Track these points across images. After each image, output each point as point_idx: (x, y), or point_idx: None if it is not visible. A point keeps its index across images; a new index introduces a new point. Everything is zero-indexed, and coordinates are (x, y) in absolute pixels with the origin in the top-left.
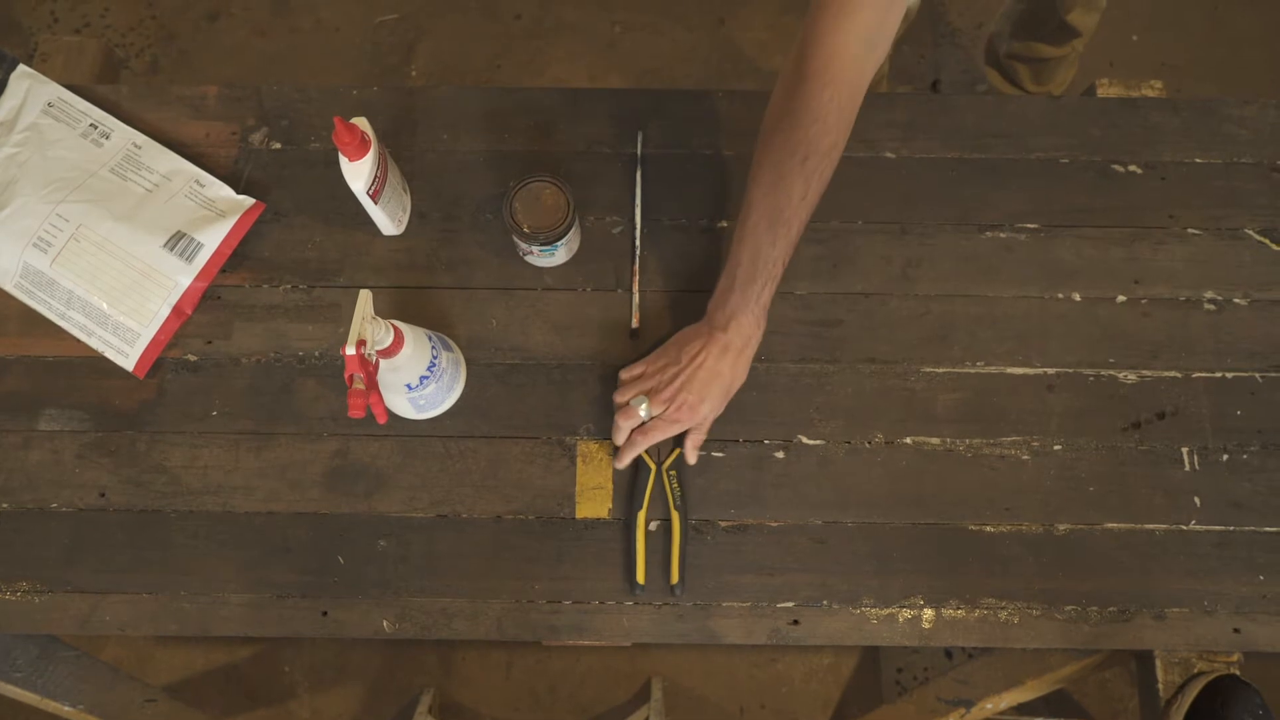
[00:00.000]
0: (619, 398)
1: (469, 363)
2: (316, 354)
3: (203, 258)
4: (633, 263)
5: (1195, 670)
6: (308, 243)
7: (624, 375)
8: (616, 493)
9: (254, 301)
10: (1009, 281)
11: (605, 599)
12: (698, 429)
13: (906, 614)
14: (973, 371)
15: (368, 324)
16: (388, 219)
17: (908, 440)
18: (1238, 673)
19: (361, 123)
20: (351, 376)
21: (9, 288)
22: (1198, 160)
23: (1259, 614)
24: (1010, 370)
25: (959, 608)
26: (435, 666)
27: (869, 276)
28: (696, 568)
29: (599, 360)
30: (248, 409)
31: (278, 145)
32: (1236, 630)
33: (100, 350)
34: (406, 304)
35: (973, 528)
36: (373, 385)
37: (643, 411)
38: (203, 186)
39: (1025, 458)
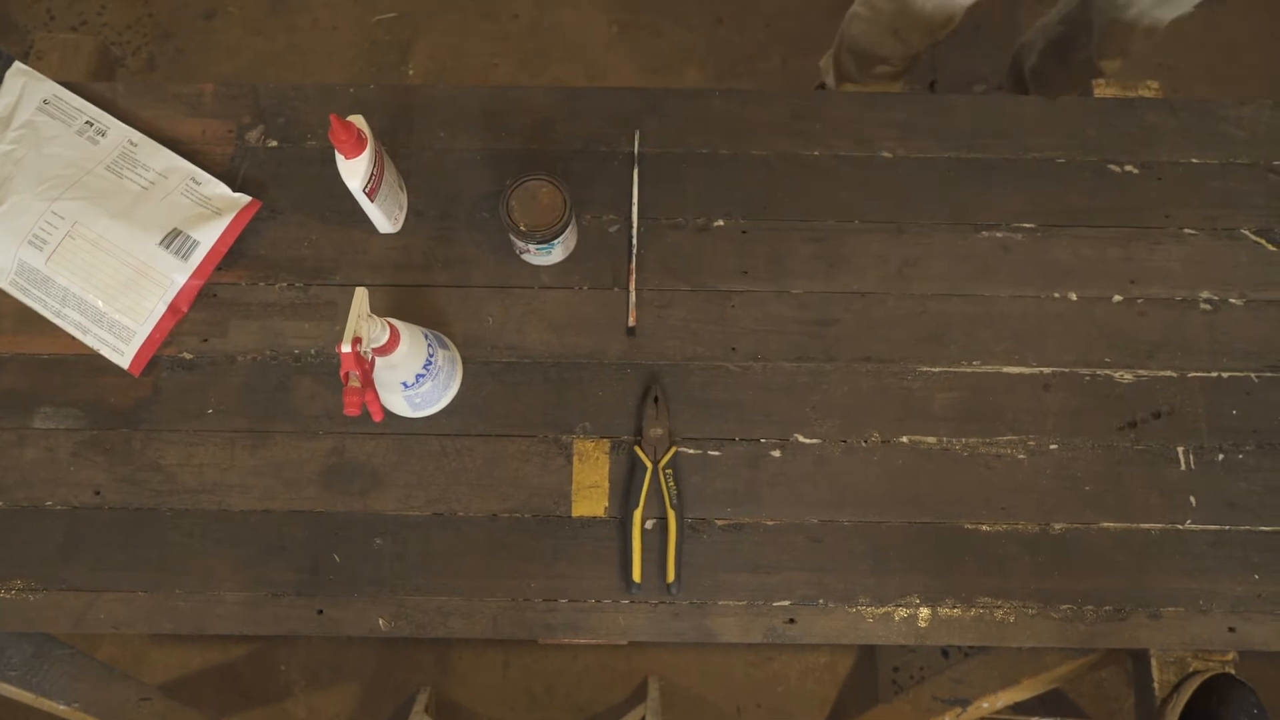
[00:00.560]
0: None
1: (465, 361)
2: (312, 352)
3: (199, 255)
4: (629, 261)
5: (1191, 669)
6: (304, 241)
7: None
8: (613, 491)
9: (250, 299)
10: (1005, 281)
11: (601, 597)
12: None
13: (902, 613)
14: (969, 371)
15: (364, 322)
16: (384, 217)
17: (904, 439)
18: (1233, 672)
19: (358, 120)
20: (347, 374)
21: (4, 285)
22: (1194, 160)
23: (1254, 613)
24: (1006, 370)
25: (955, 607)
26: (431, 665)
27: (866, 276)
28: (692, 566)
29: (595, 359)
30: (243, 407)
31: (274, 143)
32: (1232, 629)
33: (95, 348)
34: (403, 302)
35: (969, 527)
36: (368, 383)
37: None
38: (199, 184)
39: (1021, 457)
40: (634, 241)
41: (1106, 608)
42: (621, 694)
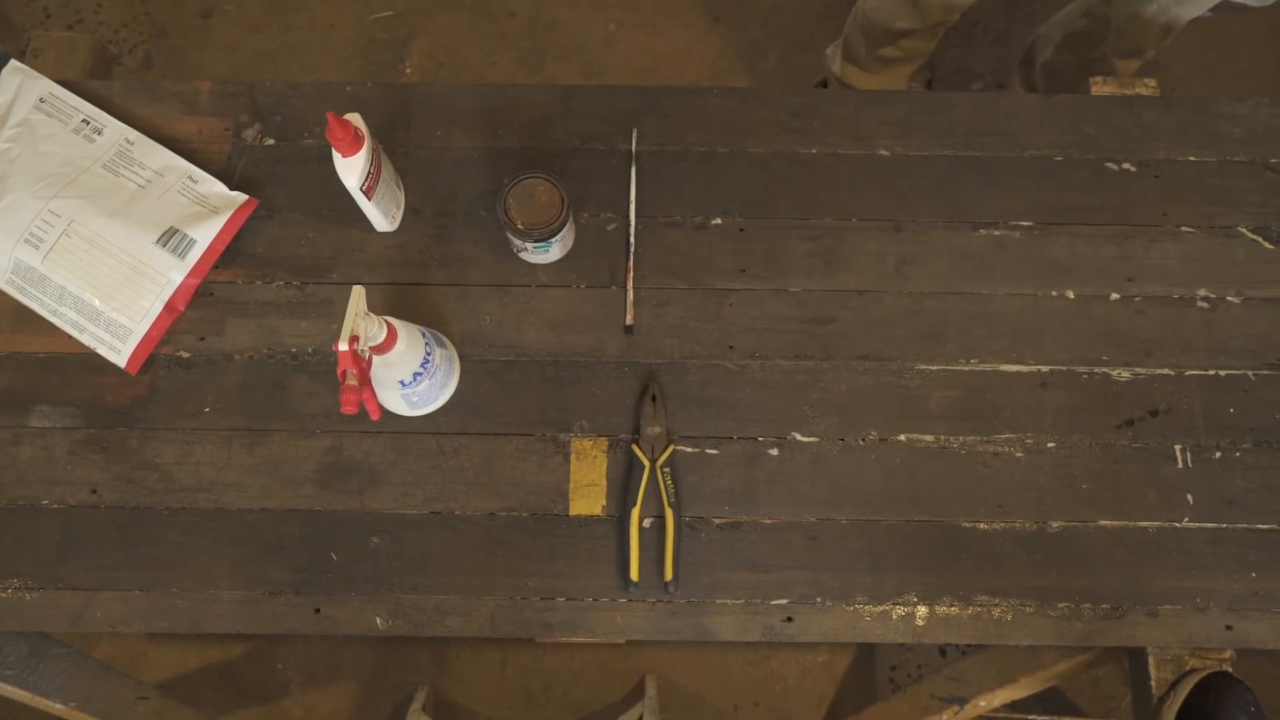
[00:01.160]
0: None
1: (463, 359)
2: (309, 350)
3: (195, 254)
4: (627, 259)
5: (1188, 667)
6: (301, 239)
7: None
8: (610, 490)
9: (247, 298)
10: (1003, 279)
11: (599, 596)
12: None
13: (900, 611)
14: (966, 369)
15: (361, 320)
16: (381, 215)
17: (901, 437)
18: (1230, 670)
19: (355, 119)
20: (344, 373)
21: (0, 284)
22: (1191, 158)
23: (1251, 611)
24: (1004, 368)
25: (952, 605)
26: (429, 664)
27: (863, 274)
28: (690, 565)
29: (593, 357)
30: (240, 405)
31: (271, 141)
32: (1229, 627)
33: (92, 346)
34: (400, 300)
35: (966, 525)
36: (366, 382)
37: None
38: (195, 182)
39: (1019, 455)
40: (631, 240)
41: (1104, 606)
42: (619, 692)
